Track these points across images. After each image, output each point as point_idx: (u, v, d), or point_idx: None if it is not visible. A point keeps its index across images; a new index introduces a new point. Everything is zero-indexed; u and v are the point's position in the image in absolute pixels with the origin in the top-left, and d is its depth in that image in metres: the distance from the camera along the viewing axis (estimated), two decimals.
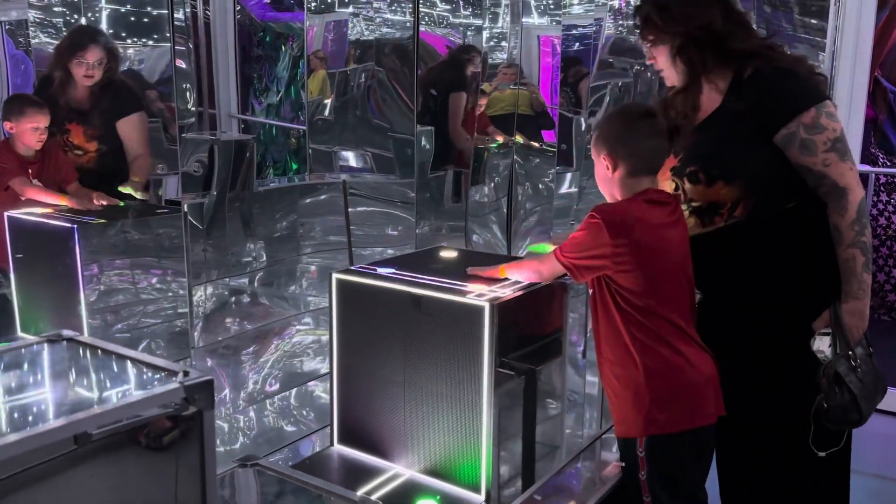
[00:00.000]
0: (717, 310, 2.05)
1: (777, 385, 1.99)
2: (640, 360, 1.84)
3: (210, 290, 3.18)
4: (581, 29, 4.03)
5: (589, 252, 1.84)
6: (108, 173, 3.13)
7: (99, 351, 1.38)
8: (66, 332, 1.43)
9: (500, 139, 4.01)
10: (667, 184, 2.02)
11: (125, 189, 3.07)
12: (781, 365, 1.98)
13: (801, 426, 1.94)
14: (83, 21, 3.31)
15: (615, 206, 1.91)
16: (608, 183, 1.93)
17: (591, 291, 1.95)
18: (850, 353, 1.87)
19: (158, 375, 1.27)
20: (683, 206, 2.01)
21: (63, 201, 2.93)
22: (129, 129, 3.20)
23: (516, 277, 2.11)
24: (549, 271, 1.99)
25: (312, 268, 3.67)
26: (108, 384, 1.30)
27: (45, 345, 1.42)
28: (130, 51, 3.44)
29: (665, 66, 2.03)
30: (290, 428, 2.85)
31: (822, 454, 1.91)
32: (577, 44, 4.07)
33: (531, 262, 2.11)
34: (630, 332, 1.85)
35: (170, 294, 3.04)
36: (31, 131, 2.91)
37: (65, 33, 3.28)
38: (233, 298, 3.30)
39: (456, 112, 3.81)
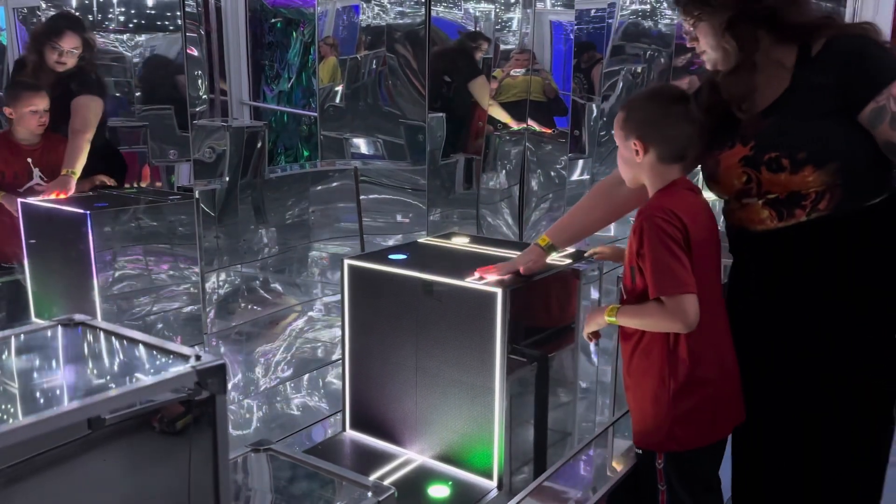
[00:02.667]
0: (773, 309, 1.88)
1: (836, 394, 1.83)
2: (670, 374, 1.77)
3: (222, 276, 3.19)
4: (594, 14, 4.01)
5: (676, 256, 1.68)
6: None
7: (111, 335, 1.38)
8: (78, 317, 1.43)
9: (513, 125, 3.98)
10: (735, 176, 1.82)
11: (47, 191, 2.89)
12: (859, 370, 1.82)
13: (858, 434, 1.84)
14: (73, 5, 3.30)
15: (660, 200, 1.78)
16: (634, 167, 1.81)
17: (624, 297, 1.85)
18: None
19: (171, 360, 1.27)
20: (753, 200, 1.82)
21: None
22: (78, 105, 3.07)
23: (640, 324, 1.83)
24: (674, 311, 1.70)
25: (324, 254, 3.68)
26: (121, 368, 1.30)
27: (57, 329, 1.42)
28: (141, 38, 3.44)
29: (709, 47, 1.80)
30: (301, 413, 2.85)
31: None
32: (590, 29, 4.04)
33: (647, 317, 1.78)
34: (671, 339, 1.76)
35: (182, 280, 3.05)
36: (29, 115, 2.90)
37: (43, 18, 3.26)
38: (245, 285, 3.31)
39: (485, 95, 3.79)
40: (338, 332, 2.92)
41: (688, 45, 1.93)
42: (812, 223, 1.76)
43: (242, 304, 3.25)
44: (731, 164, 1.82)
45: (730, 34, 1.75)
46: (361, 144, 3.73)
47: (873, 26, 1.79)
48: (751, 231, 1.86)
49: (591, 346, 2.53)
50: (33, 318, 2.88)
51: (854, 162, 1.73)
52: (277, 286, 3.49)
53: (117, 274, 2.78)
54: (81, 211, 2.66)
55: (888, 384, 1.85)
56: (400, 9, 3.53)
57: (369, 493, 1.60)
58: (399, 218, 3.70)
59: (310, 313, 3.50)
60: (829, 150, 1.72)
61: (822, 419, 1.87)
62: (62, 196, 2.89)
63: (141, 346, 1.33)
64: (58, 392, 1.23)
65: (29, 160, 2.96)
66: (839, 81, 1.71)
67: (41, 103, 2.92)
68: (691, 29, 1.82)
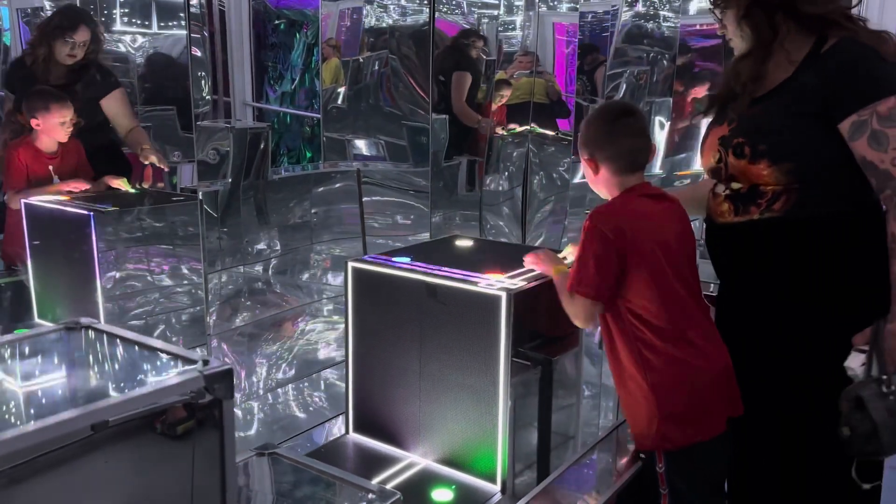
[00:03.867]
0: (736, 305, 1.94)
1: (793, 398, 1.86)
2: (643, 374, 1.79)
3: (225, 277, 3.19)
4: (597, 16, 4.00)
5: (597, 262, 1.75)
6: (86, 149, 3.12)
7: (117, 339, 1.38)
8: (85, 320, 1.43)
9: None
10: (711, 152, 1.89)
11: (149, 159, 3.07)
12: (800, 377, 1.84)
13: (810, 441, 1.84)
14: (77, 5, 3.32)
15: (608, 205, 1.86)
16: (594, 183, 1.91)
17: None
18: (885, 377, 1.66)
19: (178, 364, 1.27)
20: (721, 188, 1.89)
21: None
22: (115, 105, 3.19)
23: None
24: (580, 310, 1.82)
25: (325, 256, 3.68)
26: (128, 372, 1.30)
27: (64, 332, 1.42)
28: (145, 38, 3.44)
29: (734, 35, 1.85)
30: (304, 416, 2.85)
31: (865, 486, 1.73)
32: (594, 31, 4.04)
33: (566, 306, 1.88)
34: (634, 342, 1.80)
35: (185, 282, 3.05)
36: (58, 126, 2.91)
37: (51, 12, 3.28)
38: (247, 286, 3.31)
39: (459, 90, 3.79)
40: (340, 333, 2.93)
41: (718, 34, 1.96)
42: (764, 222, 1.80)
43: (245, 306, 3.25)
44: (714, 140, 1.89)
45: (745, 21, 1.80)
46: (364, 146, 3.73)
47: (891, 37, 1.76)
48: (714, 223, 1.93)
49: (595, 350, 2.52)
50: (36, 319, 2.88)
51: (812, 167, 1.75)
52: (280, 287, 3.50)
53: (120, 275, 2.77)
54: (85, 212, 2.65)
55: (822, 401, 1.79)
56: (403, 10, 3.53)
57: (375, 498, 1.59)
58: (401, 220, 3.71)
59: (311, 314, 3.50)
60: (788, 149, 1.75)
61: (788, 417, 1.88)
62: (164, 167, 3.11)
63: (147, 350, 1.33)
64: (64, 397, 1.23)
65: (50, 167, 2.97)
66: (826, 85, 1.72)
67: (69, 114, 2.93)
68: (720, 17, 1.88)
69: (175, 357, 1.28)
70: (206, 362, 1.22)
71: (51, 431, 1.05)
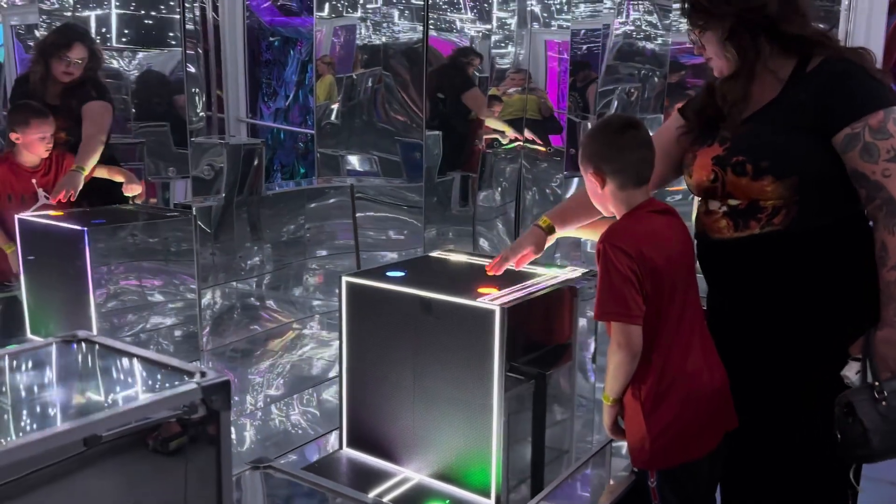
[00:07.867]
0: (736, 318, 1.93)
1: (793, 409, 1.87)
2: (640, 391, 1.79)
3: (218, 293, 3.19)
4: (589, 33, 4.05)
5: (625, 285, 1.72)
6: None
7: (114, 352, 1.38)
8: (82, 333, 1.43)
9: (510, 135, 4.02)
10: (705, 173, 1.89)
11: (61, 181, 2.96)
12: (800, 387, 1.85)
13: (809, 451, 1.85)
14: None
15: (621, 225, 1.84)
16: (599, 197, 1.89)
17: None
18: (877, 384, 1.69)
19: (175, 376, 1.27)
20: (716, 205, 1.89)
21: None
22: (89, 111, 3.15)
23: (613, 376, 1.84)
24: (620, 338, 1.76)
25: (319, 271, 3.69)
26: (125, 385, 1.30)
27: (61, 345, 1.42)
28: (139, 55, 3.46)
29: (715, 55, 1.87)
30: (298, 431, 2.85)
31: (860, 488, 1.80)
32: (586, 48, 4.08)
33: (609, 362, 1.83)
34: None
35: (179, 297, 3.05)
36: (38, 141, 2.92)
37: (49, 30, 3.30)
38: (240, 302, 3.31)
39: (479, 106, 3.83)
40: (334, 349, 2.93)
41: (695, 53, 1.96)
42: (765, 237, 1.82)
43: (238, 321, 3.25)
44: (705, 161, 1.89)
45: (730, 43, 1.82)
46: (357, 162, 3.75)
47: (870, 53, 1.82)
48: (710, 239, 1.93)
49: (589, 365, 2.53)
50: (29, 335, 2.87)
51: (815, 181, 1.78)
52: (273, 303, 3.50)
53: (114, 290, 2.77)
54: (79, 227, 2.66)
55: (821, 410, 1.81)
56: (396, 27, 3.56)
57: None
58: (395, 235, 3.72)
59: (305, 330, 3.50)
60: (792, 164, 1.78)
61: (785, 428, 1.88)
62: (72, 193, 2.90)
63: (144, 363, 1.33)
64: (60, 410, 1.23)
65: (33, 181, 2.97)
66: (819, 101, 1.76)
67: (49, 129, 2.93)
68: (697, 38, 1.89)
69: (172, 370, 1.29)
70: (203, 374, 1.22)
71: (42, 445, 1.05)
